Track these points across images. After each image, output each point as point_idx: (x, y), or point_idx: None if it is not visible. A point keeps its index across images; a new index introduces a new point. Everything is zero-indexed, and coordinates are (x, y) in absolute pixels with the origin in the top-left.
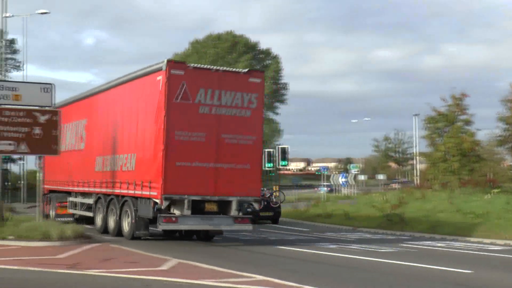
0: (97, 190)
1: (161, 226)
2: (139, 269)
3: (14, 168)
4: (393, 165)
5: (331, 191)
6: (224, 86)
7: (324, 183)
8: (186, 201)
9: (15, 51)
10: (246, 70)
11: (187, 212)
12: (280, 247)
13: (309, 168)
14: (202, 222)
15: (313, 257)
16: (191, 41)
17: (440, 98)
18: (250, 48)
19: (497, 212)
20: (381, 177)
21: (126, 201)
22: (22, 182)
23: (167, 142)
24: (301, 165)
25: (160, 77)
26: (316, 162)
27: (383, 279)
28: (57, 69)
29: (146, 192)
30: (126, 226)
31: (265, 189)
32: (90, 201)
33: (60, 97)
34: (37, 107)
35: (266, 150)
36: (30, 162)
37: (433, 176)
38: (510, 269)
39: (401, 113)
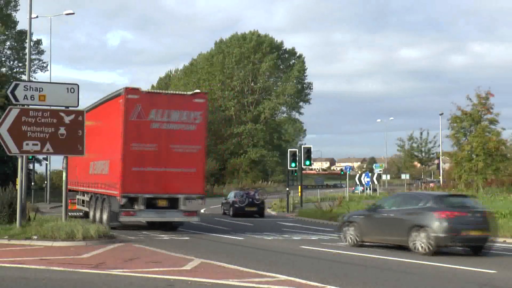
0: (90, 189)
1: (121, 219)
2: (163, 269)
3: (39, 168)
4: (417, 164)
5: (363, 190)
6: (172, 106)
7: (359, 183)
8: (141, 199)
9: (41, 52)
10: (191, 92)
11: (142, 207)
12: (303, 246)
13: (333, 168)
14: (155, 215)
15: (336, 257)
16: (216, 41)
17: (466, 98)
18: (274, 47)
19: None
20: (404, 176)
21: (104, 198)
22: (46, 182)
23: (125, 152)
24: (325, 164)
25: (121, 100)
26: (340, 161)
27: (407, 279)
28: (83, 70)
29: (114, 192)
30: (105, 218)
31: (249, 188)
32: (88, 198)
33: (84, 97)
34: (62, 108)
35: (290, 150)
36: (54, 162)
37: (458, 176)
38: None
39: (426, 112)
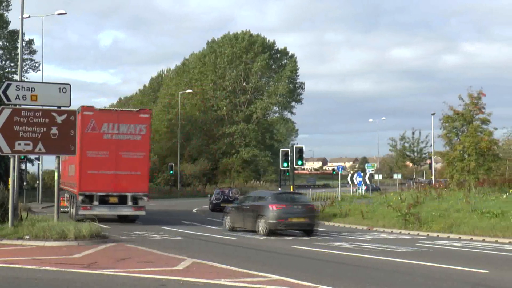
0: (70, 189)
1: (80, 212)
2: (155, 269)
3: (30, 168)
4: (409, 164)
5: (367, 190)
6: (121, 120)
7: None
8: (95, 196)
9: (33, 52)
10: (137, 109)
11: (97, 203)
12: (295, 246)
13: (325, 168)
14: (108, 210)
15: (329, 256)
16: (208, 41)
17: (458, 97)
18: (266, 47)
19: None
20: (396, 176)
21: (73, 196)
22: (39, 182)
23: (82, 158)
24: (318, 164)
25: (79, 116)
26: (332, 161)
27: (400, 279)
28: (75, 69)
29: (76, 190)
30: (73, 212)
31: (224, 187)
32: (68, 196)
33: (77, 97)
34: (54, 108)
35: (282, 149)
36: (46, 162)
37: (450, 176)
38: None
39: (419, 112)
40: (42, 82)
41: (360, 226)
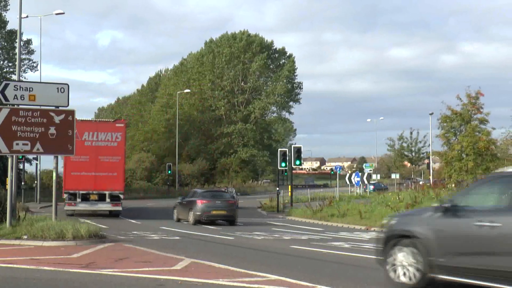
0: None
1: (65, 208)
2: (153, 269)
3: (29, 168)
4: (407, 164)
5: (375, 189)
6: (100, 129)
7: (371, 182)
8: (78, 194)
9: (31, 52)
10: (113, 119)
11: (79, 200)
12: (293, 246)
13: (323, 168)
14: (90, 206)
15: (327, 256)
16: (206, 41)
17: (456, 97)
18: (264, 47)
19: None
20: (394, 176)
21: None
22: (37, 182)
23: (66, 161)
24: (316, 164)
25: None
26: (330, 161)
27: None
28: (73, 69)
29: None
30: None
31: (221, 187)
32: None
33: (75, 97)
34: (52, 107)
35: (280, 149)
36: (44, 162)
37: (448, 175)
38: None
39: (417, 112)
40: (40, 82)
41: (358, 226)
